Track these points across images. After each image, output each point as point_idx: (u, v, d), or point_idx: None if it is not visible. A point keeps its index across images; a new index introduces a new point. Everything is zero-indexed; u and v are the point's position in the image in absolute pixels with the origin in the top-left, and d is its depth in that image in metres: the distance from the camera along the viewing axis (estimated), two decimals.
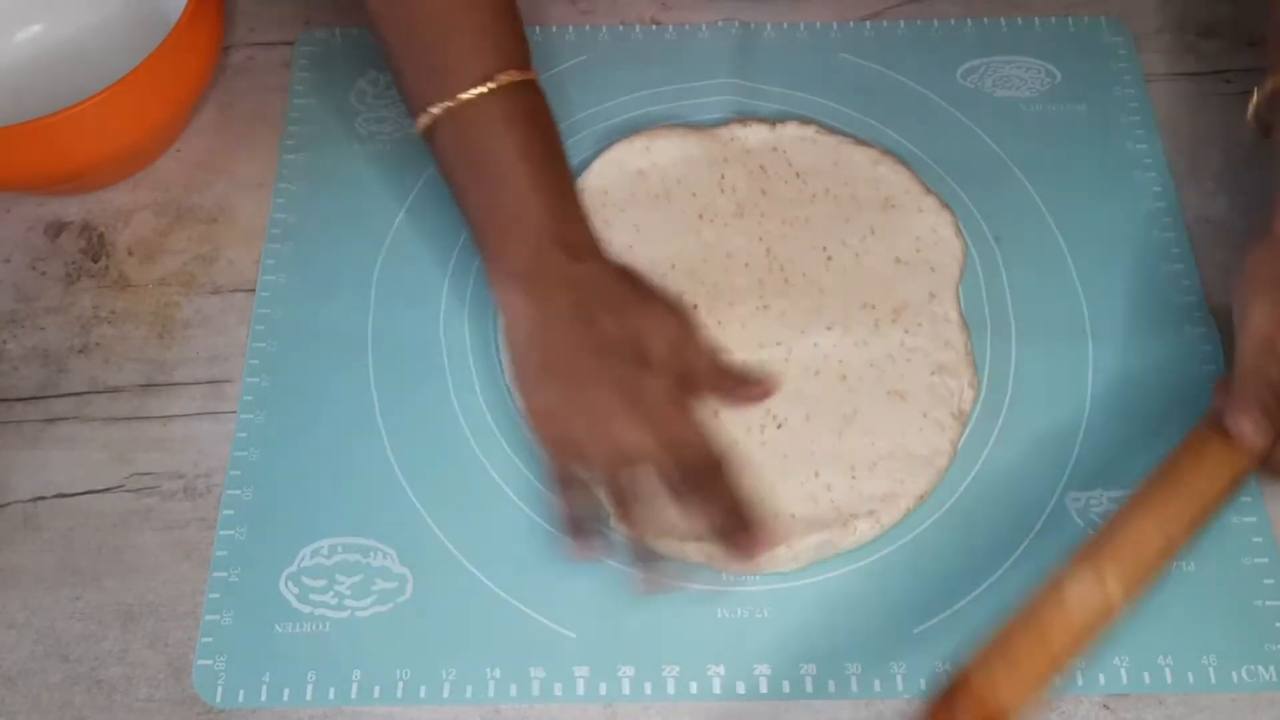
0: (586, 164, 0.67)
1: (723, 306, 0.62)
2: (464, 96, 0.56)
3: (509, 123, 0.57)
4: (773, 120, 0.68)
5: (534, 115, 0.58)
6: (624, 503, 0.53)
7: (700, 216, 0.65)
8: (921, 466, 0.58)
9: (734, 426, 0.58)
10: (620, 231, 0.65)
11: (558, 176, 0.58)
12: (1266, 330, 0.52)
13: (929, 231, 0.64)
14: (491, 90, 0.56)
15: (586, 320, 0.55)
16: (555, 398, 0.55)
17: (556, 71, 0.71)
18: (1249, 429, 0.51)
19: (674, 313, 0.57)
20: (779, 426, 0.59)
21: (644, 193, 0.66)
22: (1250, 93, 0.63)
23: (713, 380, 0.57)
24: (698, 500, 0.53)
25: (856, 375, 0.60)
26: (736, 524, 0.52)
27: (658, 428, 0.53)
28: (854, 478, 0.57)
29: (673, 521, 0.55)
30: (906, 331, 0.61)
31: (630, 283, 0.57)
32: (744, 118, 0.69)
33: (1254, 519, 0.58)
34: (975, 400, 0.60)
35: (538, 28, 0.73)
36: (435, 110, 0.57)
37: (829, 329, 0.61)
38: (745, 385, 0.58)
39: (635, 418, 0.53)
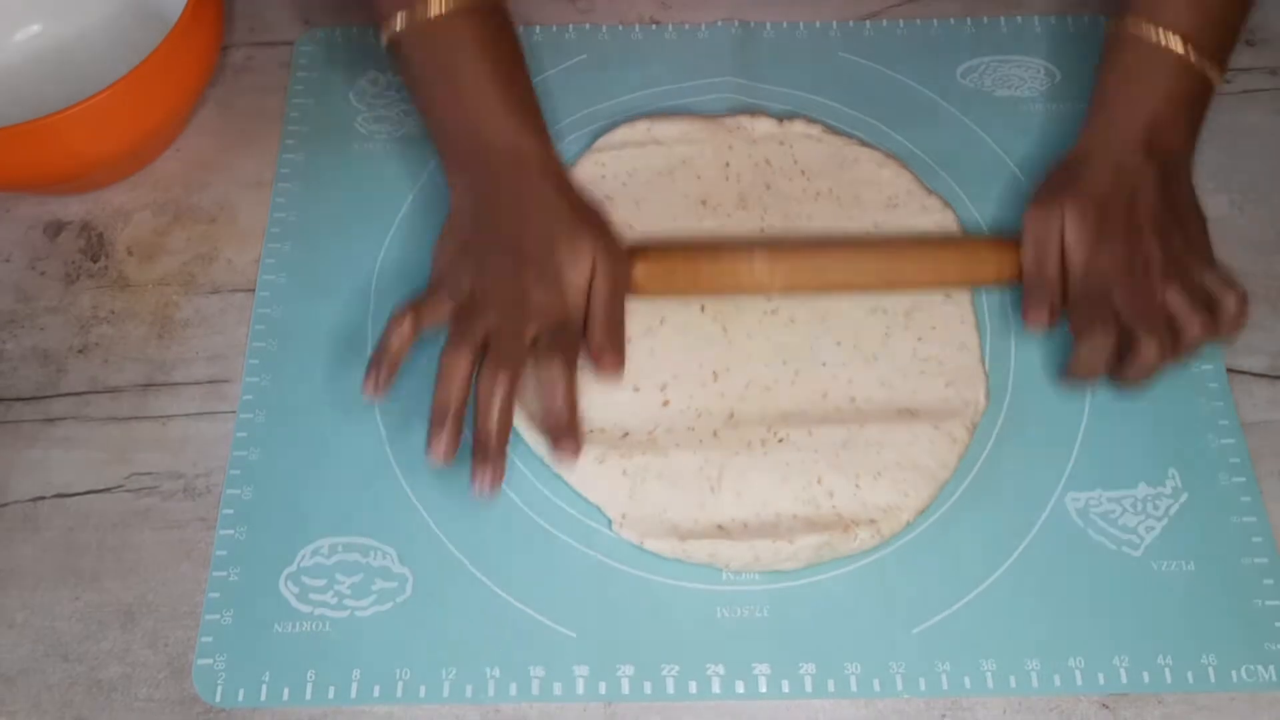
0: (585, 150, 0.68)
1: (730, 311, 0.62)
2: (431, 12, 0.59)
3: (477, 41, 0.60)
4: (780, 116, 0.68)
5: (500, 32, 0.61)
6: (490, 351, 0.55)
7: (704, 203, 0.65)
8: (927, 479, 0.57)
9: (737, 440, 0.58)
10: (621, 206, 0.65)
11: (522, 95, 0.62)
12: (1038, 233, 0.60)
13: (934, 230, 0.64)
14: (459, 6, 0.59)
15: (518, 222, 0.58)
16: (461, 254, 0.58)
17: (556, 71, 0.71)
18: (1040, 321, 0.59)
19: (608, 263, 0.58)
20: (780, 440, 0.58)
21: (647, 168, 0.66)
22: (1252, 93, 0.63)
23: (595, 336, 0.58)
24: (542, 372, 0.56)
25: (866, 395, 0.60)
26: (562, 422, 0.56)
27: (534, 316, 0.57)
28: (858, 486, 0.57)
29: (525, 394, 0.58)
30: (920, 339, 0.61)
31: (581, 214, 0.60)
32: (752, 111, 0.69)
33: (1254, 519, 0.58)
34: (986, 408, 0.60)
35: (538, 27, 0.73)
36: (399, 21, 0.60)
37: (838, 344, 0.61)
38: (604, 372, 0.59)
39: (518, 296, 0.57)
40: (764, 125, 0.68)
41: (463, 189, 0.61)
